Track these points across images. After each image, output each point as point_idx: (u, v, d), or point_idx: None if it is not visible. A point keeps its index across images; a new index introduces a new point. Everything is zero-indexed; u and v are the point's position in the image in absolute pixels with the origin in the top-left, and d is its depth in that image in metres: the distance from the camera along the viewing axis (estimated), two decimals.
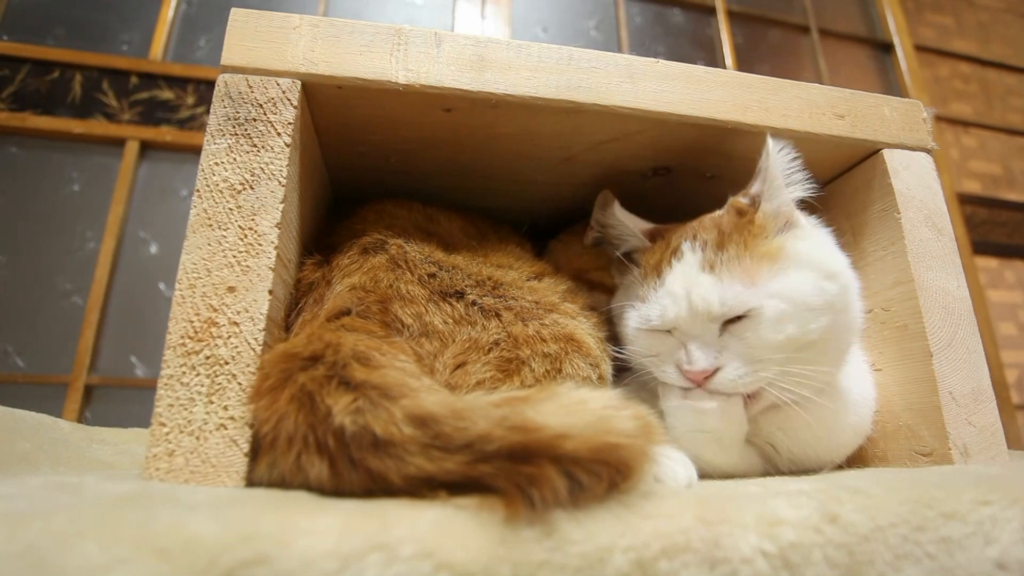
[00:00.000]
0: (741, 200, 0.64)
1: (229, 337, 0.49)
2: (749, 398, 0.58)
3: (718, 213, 0.66)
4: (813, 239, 0.62)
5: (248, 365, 0.48)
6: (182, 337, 0.48)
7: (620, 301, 0.69)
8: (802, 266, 0.58)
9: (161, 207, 2.10)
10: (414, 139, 0.71)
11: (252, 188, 0.54)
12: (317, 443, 0.40)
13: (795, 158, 0.62)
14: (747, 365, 0.56)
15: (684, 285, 0.59)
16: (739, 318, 0.57)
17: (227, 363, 0.48)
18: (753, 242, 0.60)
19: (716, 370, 0.57)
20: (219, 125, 0.56)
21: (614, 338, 0.68)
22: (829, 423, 0.62)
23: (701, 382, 0.57)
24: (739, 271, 0.58)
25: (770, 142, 0.61)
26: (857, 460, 0.69)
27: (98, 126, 2.09)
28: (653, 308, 0.61)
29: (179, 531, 0.30)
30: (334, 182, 0.81)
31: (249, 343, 0.49)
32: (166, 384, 0.47)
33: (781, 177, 0.61)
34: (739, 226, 0.61)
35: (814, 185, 0.63)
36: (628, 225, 0.70)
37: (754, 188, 0.64)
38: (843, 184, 0.79)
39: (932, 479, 0.47)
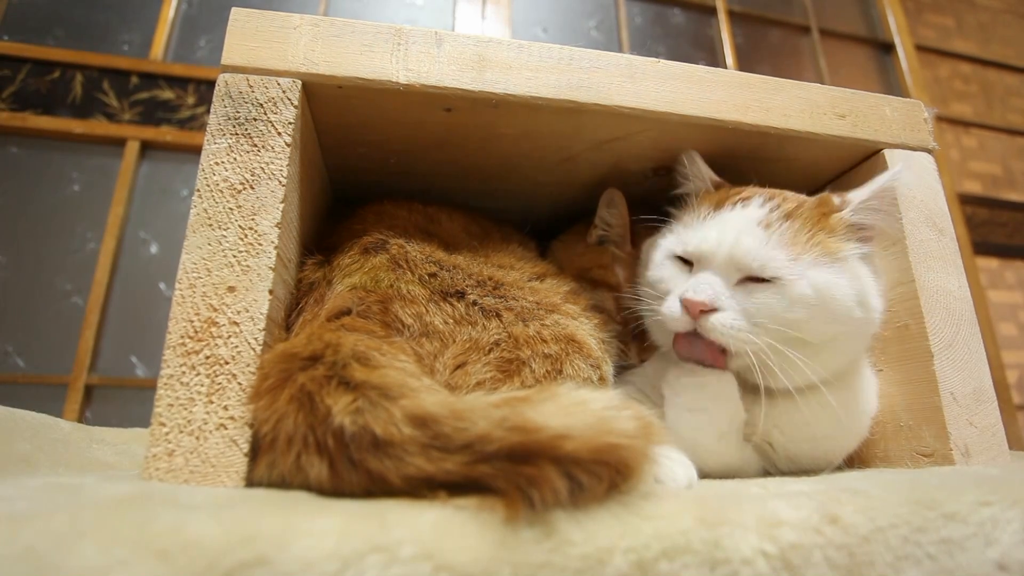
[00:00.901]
0: (834, 198, 0.63)
1: (229, 337, 0.49)
2: (724, 352, 0.59)
3: (806, 195, 0.66)
4: (869, 269, 0.63)
5: (248, 365, 0.48)
6: (182, 337, 0.48)
7: (658, 242, 0.71)
8: (848, 276, 0.59)
9: (161, 207, 2.10)
10: (414, 139, 0.71)
11: (252, 188, 0.54)
12: (317, 443, 0.40)
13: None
14: (744, 322, 0.57)
15: (737, 227, 0.60)
16: (762, 280, 0.58)
17: (227, 363, 0.48)
18: (819, 230, 0.60)
19: (714, 310, 0.57)
20: (219, 125, 0.56)
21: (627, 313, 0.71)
22: (826, 424, 0.62)
23: (697, 315, 0.58)
24: (791, 242, 0.59)
25: (901, 167, 0.62)
26: (858, 460, 0.68)
27: (98, 126, 2.09)
28: (695, 234, 0.62)
29: (179, 532, 0.30)
30: (334, 182, 0.81)
31: (249, 343, 0.49)
32: (166, 384, 0.47)
33: (886, 203, 0.62)
34: (815, 213, 0.62)
35: (898, 225, 0.64)
36: (701, 169, 0.71)
37: (853, 193, 0.63)
38: (844, 184, 0.79)
39: (933, 480, 0.47)
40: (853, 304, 0.58)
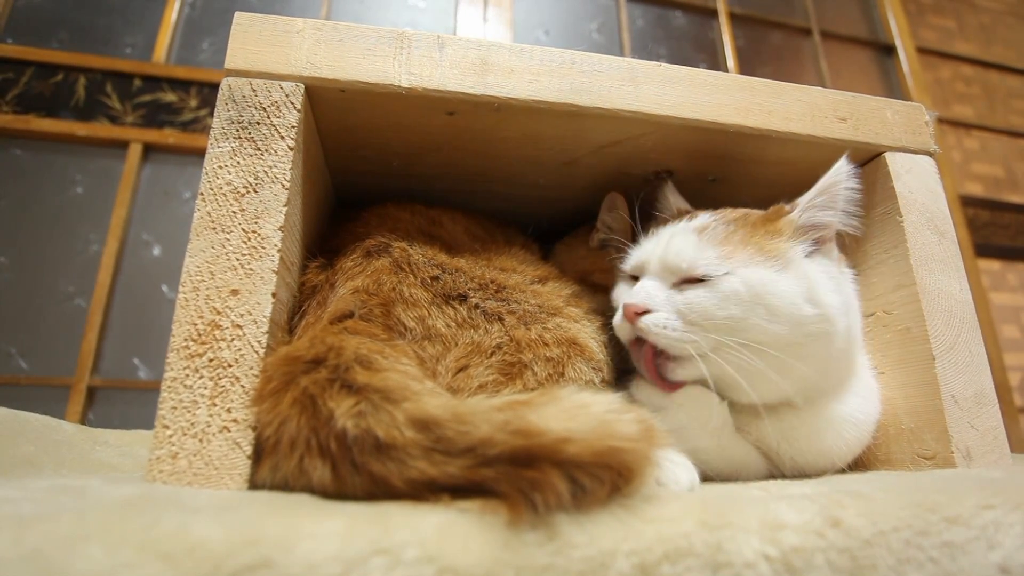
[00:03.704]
0: (785, 205, 0.64)
1: (232, 340, 0.49)
2: (671, 359, 0.59)
3: (760, 211, 0.66)
4: (824, 268, 0.61)
5: (251, 368, 0.49)
6: (185, 340, 0.49)
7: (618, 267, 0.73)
8: (791, 275, 0.58)
9: (164, 209, 2.11)
10: (417, 142, 0.71)
11: (256, 191, 0.54)
12: (319, 446, 0.41)
13: (855, 188, 0.62)
14: (679, 321, 0.57)
15: (670, 235, 0.62)
16: (698, 281, 0.58)
17: (230, 366, 0.48)
18: (760, 233, 0.61)
19: (648, 311, 0.58)
20: (223, 128, 0.56)
21: None
22: (830, 436, 0.62)
23: (633, 318, 0.59)
24: (724, 243, 0.59)
25: (843, 161, 0.61)
26: (860, 463, 0.68)
27: (101, 128, 2.10)
28: (636, 250, 0.65)
29: (183, 535, 0.30)
30: (337, 185, 0.81)
31: (252, 346, 0.49)
32: (169, 387, 0.47)
33: (833, 199, 0.61)
34: (762, 219, 0.63)
35: (856, 224, 0.63)
36: (670, 200, 0.74)
37: (802, 197, 0.63)
38: None
39: (935, 483, 0.47)
40: (799, 301, 0.57)
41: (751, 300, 0.56)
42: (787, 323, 0.57)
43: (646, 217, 0.78)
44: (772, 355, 0.56)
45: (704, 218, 0.64)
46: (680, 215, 0.70)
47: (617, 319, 0.62)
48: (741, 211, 0.66)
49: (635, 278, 0.66)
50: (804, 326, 0.57)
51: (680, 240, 0.60)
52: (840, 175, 0.60)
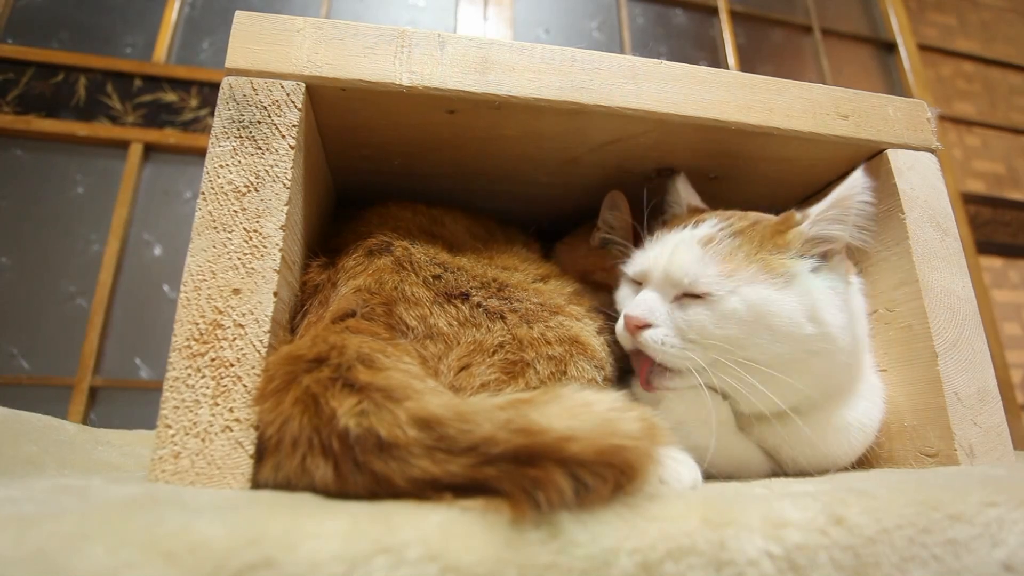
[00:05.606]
0: (796, 214, 0.62)
1: (234, 339, 0.49)
2: (667, 370, 0.60)
3: (772, 216, 0.64)
4: (830, 283, 0.60)
5: (253, 367, 0.49)
6: (187, 339, 0.49)
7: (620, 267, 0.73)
8: (794, 293, 0.57)
9: (165, 209, 2.11)
10: (418, 141, 0.71)
11: (257, 190, 0.54)
12: (322, 445, 0.41)
13: (870, 202, 0.60)
14: (677, 339, 0.58)
15: (674, 245, 0.61)
16: (697, 296, 0.58)
17: (232, 365, 0.48)
18: (767, 247, 0.60)
19: (649, 326, 0.59)
20: (224, 128, 0.56)
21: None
22: (832, 440, 0.62)
23: (634, 331, 0.60)
24: (727, 259, 0.58)
25: (858, 173, 0.60)
26: (862, 461, 0.68)
27: (102, 129, 2.10)
28: (641, 256, 0.65)
29: (186, 534, 0.30)
30: (338, 184, 0.81)
31: (254, 345, 0.49)
32: (171, 386, 0.47)
33: (846, 213, 0.59)
34: (770, 231, 0.61)
35: (867, 238, 0.61)
36: (681, 194, 0.73)
37: (813, 207, 0.62)
38: None
39: (938, 480, 0.47)
40: (801, 320, 0.56)
41: (751, 320, 0.56)
42: (786, 342, 0.56)
43: (646, 215, 0.78)
44: (769, 372, 0.56)
45: (710, 226, 0.62)
46: (689, 214, 0.69)
47: (619, 328, 0.63)
48: (751, 218, 0.64)
49: (638, 282, 0.66)
50: (804, 344, 0.57)
51: (684, 254, 0.59)
52: (855, 188, 0.59)
